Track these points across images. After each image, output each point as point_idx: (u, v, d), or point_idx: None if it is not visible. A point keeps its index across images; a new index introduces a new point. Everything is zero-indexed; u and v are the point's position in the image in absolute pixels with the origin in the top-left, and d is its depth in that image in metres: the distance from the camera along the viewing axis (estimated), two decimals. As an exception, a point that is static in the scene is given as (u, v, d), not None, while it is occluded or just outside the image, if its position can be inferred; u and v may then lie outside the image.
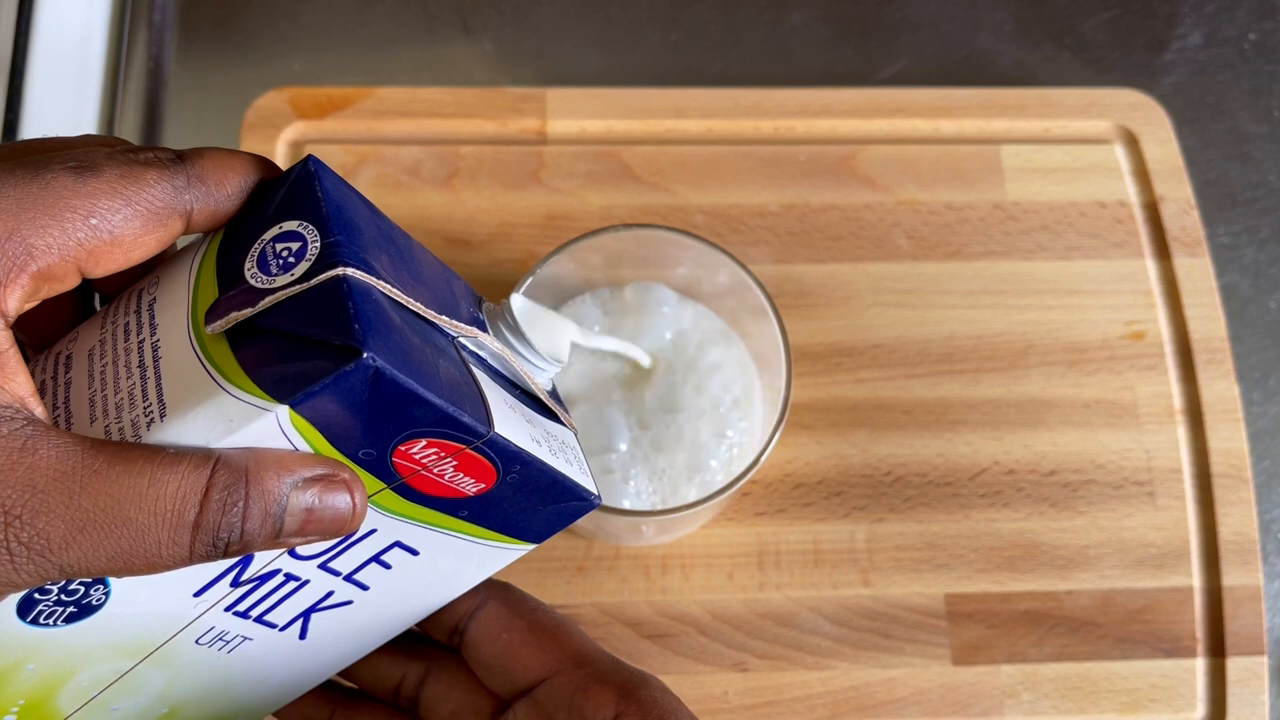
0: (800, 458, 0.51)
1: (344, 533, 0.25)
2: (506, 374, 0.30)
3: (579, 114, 0.56)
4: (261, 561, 0.28)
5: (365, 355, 0.23)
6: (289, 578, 0.29)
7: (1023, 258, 0.55)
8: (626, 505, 0.46)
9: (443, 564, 0.31)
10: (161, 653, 0.29)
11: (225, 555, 0.24)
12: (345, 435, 0.25)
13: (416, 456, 0.26)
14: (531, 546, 0.32)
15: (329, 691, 0.36)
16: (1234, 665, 0.49)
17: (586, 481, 0.30)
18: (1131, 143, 0.57)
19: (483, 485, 0.28)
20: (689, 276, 0.49)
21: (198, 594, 0.28)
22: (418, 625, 0.34)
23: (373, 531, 0.28)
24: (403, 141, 0.56)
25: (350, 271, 0.24)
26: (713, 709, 0.48)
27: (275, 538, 0.24)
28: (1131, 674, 0.49)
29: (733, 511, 0.50)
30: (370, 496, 0.27)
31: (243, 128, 0.55)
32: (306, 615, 0.31)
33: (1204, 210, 0.57)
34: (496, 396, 0.28)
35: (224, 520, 0.23)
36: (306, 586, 0.29)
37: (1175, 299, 0.55)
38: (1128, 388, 0.53)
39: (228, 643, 0.30)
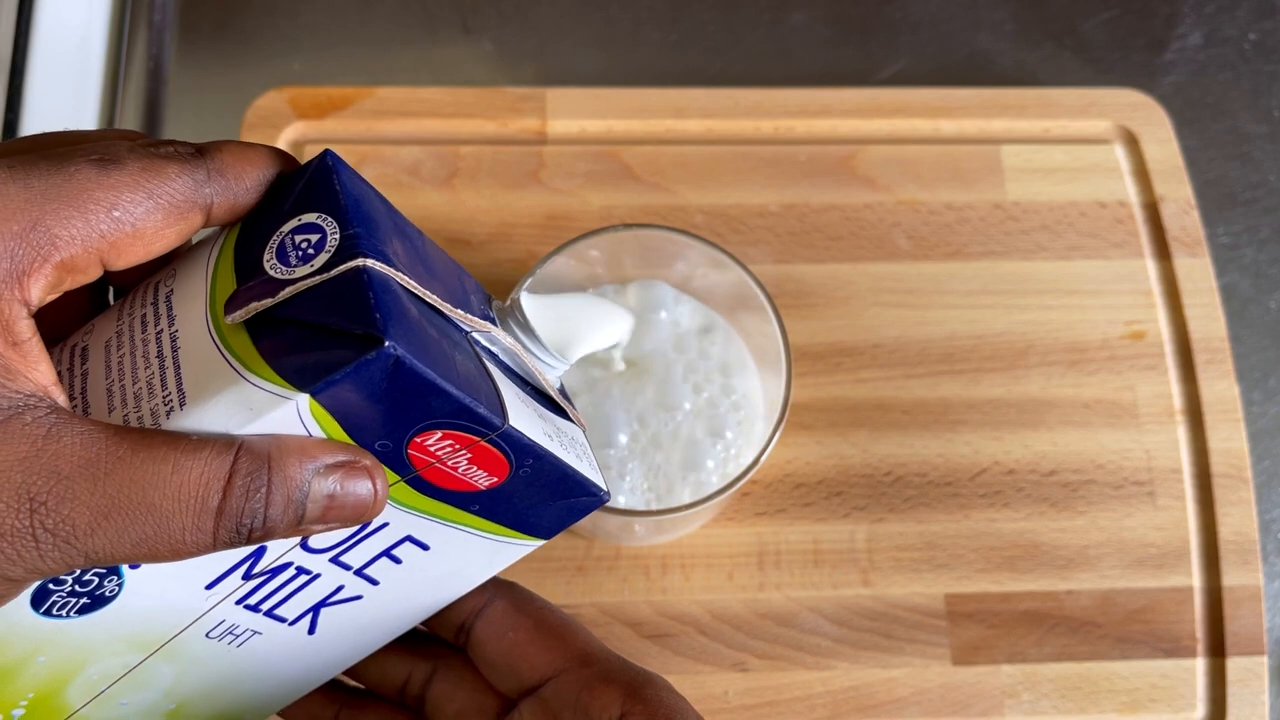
0: (800, 458, 0.51)
1: (365, 520, 0.26)
2: (518, 370, 0.30)
3: (579, 114, 0.56)
4: (274, 554, 0.28)
5: (387, 344, 0.23)
6: (300, 571, 0.29)
7: (1023, 258, 0.55)
8: (621, 501, 0.46)
9: (452, 559, 0.31)
10: (171, 646, 0.29)
11: (248, 542, 0.24)
12: (362, 426, 0.25)
13: (432, 448, 0.26)
14: (541, 542, 0.32)
15: (334, 691, 0.36)
16: (1234, 665, 0.49)
17: (596, 477, 0.31)
18: (1131, 143, 0.57)
19: (495, 479, 0.28)
20: (689, 276, 0.49)
21: (210, 586, 0.28)
22: (424, 623, 0.35)
23: (384, 525, 0.29)
24: (403, 141, 0.56)
25: (370, 263, 0.24)
26: (713, 709, 0.48)
27: (298, 524, 0.24)
28: (1131, 674, 0.49)
29: (733, 511, 0.50)
30: None
31: (243, 128, 0.55)
32: (316, 610, 0.31)
33: (1204, 210, 0.57)
34: (510, 390, 0.28)
35: (247, 506, 0.23)
36: (317, 580, 0.30)
37: (1175, 299, 0.55)
38: (1128, 388, 0.53)
39: (237, 637, 0.30)
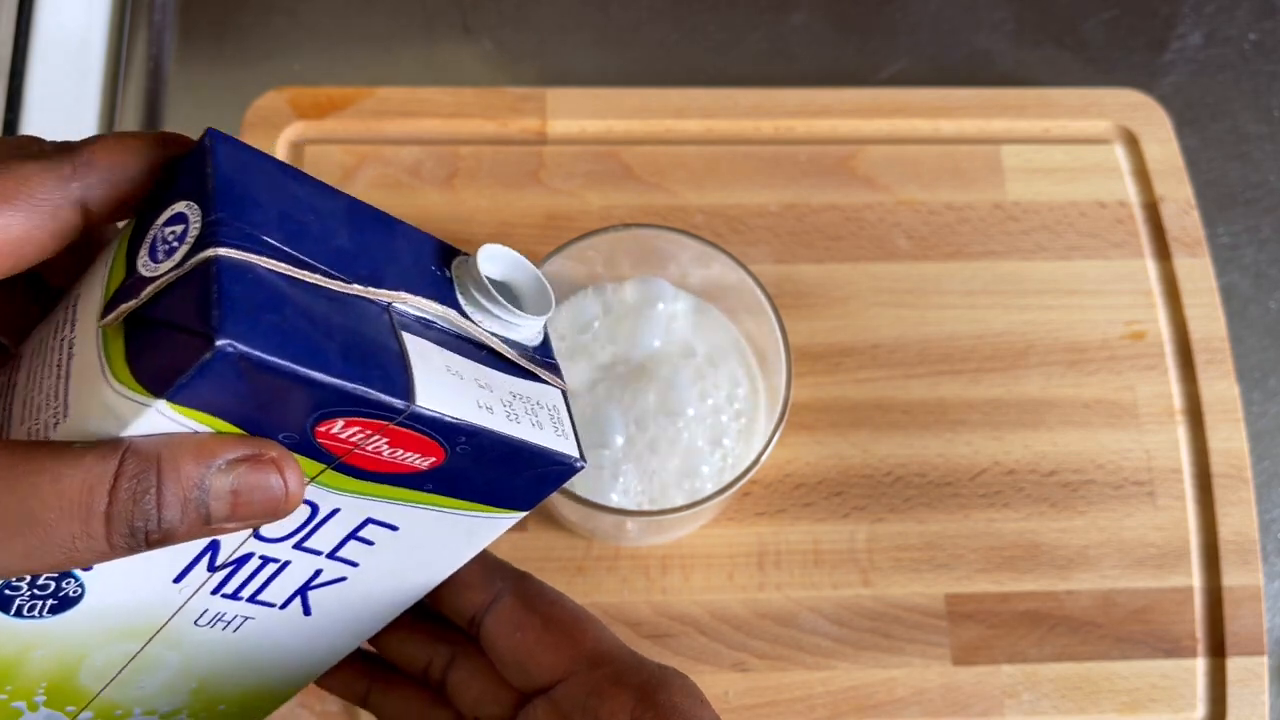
0: (800, 458, 0.51)
1: (282, 513, 0.25)
2: (466, 335, 0.28)
3: (579, 114, 0.56)
4: (231, 545, 0.27)
5: (220, 343, 0.22)
6: (267, 560, 0.28)
7: (1023, 258, 0.55)
8: (615, 500, 0.46)
9: (428, 537, 0.30)
10: (164, 635, 0.29)
11: (150, 545, 0.23)
12: (253, 420, 0.24)
13: (341, 436, 0.25)
14: (520, 514, 0.30)
15: (367, 665, 0.36)
16: (1234, 665, 0.49)
17: (563, 445, 0.28)
18: (1131, 143, 0.57)
19: (433, 459, 0.26)
20: (689, 276, 0.49)
21: (177, 580, 0.27)
22: (439, 609, 0.34)
23: (336, 511, 0.28)
24: (403, 141, 0.56)
25: (224, 252, 0.23)
26: (713, 709, 0.48)
27: (205, 524, 0.24)
28: (1131, 674, 0.49)
29: (733, 511, 0.50)
30: (315, 477, 0.26)
31: (243, 127, 0.55)
32: (303, 594, 0.30)
33: (1204, 210, 0.57)
34: (435, 364, 0.26)
35: (137, 509, 0.23)
36: (290, 567, 0.29)
37: (1175, 299, 0.55)
38: (1128, 388, 0.53)
39: (229, 623, 0.30)
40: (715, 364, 0.48)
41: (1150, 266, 0.55)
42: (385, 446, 0.25)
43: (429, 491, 0.28)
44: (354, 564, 0.30)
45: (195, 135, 0.26)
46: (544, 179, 0.55)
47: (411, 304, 0.27)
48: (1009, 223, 0.56)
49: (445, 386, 0.26)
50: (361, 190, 0.54)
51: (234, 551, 0.27)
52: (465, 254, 0.29)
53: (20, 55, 0.57)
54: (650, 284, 0.49)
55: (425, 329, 0.27)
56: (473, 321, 0.28)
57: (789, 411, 0.44)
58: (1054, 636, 0.49)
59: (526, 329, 0.29)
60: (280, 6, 0.60)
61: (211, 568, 0.28)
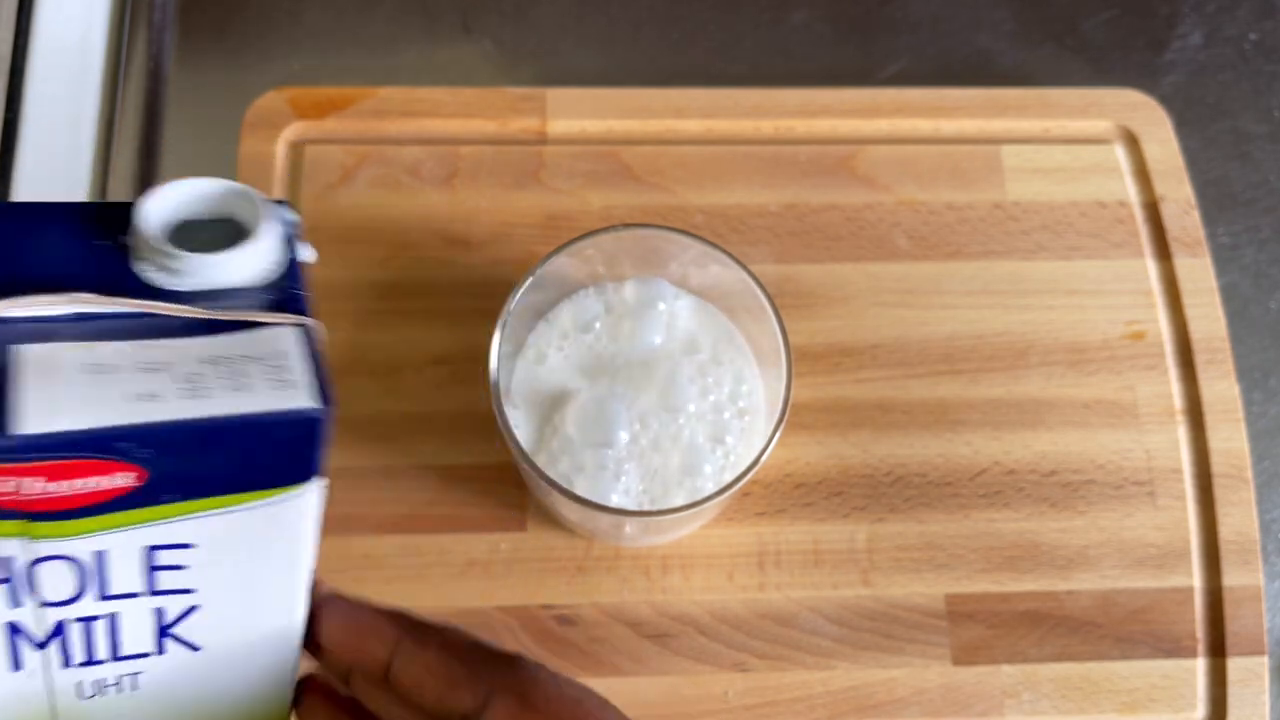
0: (800, 458, 0.51)
1: None
2: (137, 312, 0.24)
3: (579, 114, 0.56)
4: (31, 621, 0.24)
5: None
6: (87, 620, 0.24)
7: (1023, 258, 0.55)
8: (615, 500, 0.46)
9: (239, 539, 0.25)
10: (65, 715, 0.26)
11: None
12: None
13: None
14: (313, 482, 0.25)
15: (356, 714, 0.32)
16: (1234, 665, 0.49)
17: (284, 399, 0.23)
18: (1131, 143, 0.57)
19: (131, 475, 0.22)
20: (689, 276, 0.49)
21: (16, 669, 0.25)
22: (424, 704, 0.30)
23: (103, 552, 0.24)
24: (403, 141, 0.56)
25: None
26: (713, 709, 0.48)
27: None
28: (1132, 674, 0.49)
29: (733, 511, 0.50)
30: (15, 534, 0.22)
31: (243, 128, 0.55)
32: (167, 634, 0.26)
33: (1204, 210, 0.57)
34: (67, 369, 0.22)
35: None
36: (121, 617, 0.25)
37: (1175, 299, 0.55)
38: (1128, 388, 0.53)
39: (118, 684, 0.26)
40: (719, 362, 0.48)
41: (1150, 266, 0.55)
42: (43, 483, 0.21)
43: (177, 501, 0.23)
44: (189, 590, 0.25)
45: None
46: (544, 179, 0.55)
47: (19, 308, 0.22)
48: (1009, 223, 0.56)
49: (77, 393, 0.22)
50: (361, 190, 0.54)
51: (40, 626, 0.24)
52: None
53: (20, 55, 0.57)
54: (651, 284, 0.49)
55: (76, 323, 0.23)
56: (144, 289, 0.24)
57: (789, 411, 0.44)
58: (1054, 636, 0.49)
59: (239, 268, 0.25)
60: (280, 6, 0.60)
61: (38, 646, 0.25)
